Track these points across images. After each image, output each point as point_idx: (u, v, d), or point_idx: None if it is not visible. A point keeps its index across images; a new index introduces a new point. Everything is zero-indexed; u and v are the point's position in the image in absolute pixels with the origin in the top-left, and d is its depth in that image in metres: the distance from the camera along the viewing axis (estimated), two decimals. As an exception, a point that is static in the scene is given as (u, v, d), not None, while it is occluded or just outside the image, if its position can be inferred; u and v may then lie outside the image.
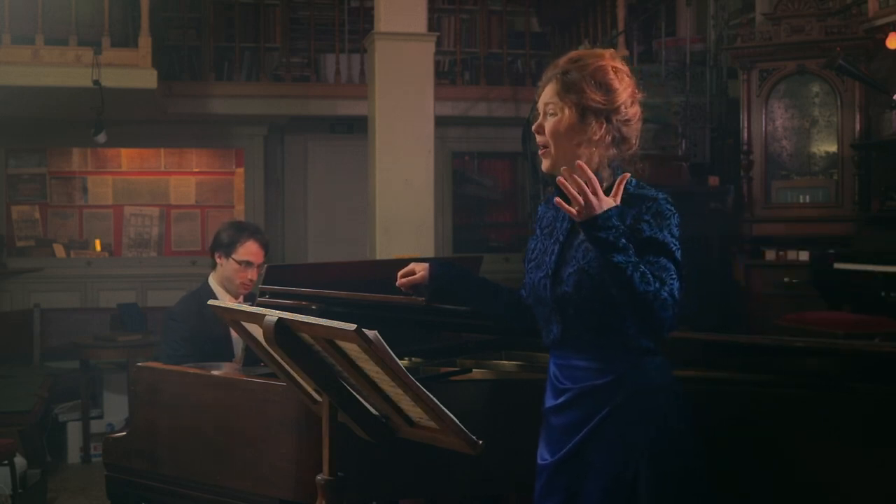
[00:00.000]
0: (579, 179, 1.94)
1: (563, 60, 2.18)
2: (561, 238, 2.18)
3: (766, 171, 5.68)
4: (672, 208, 2.09)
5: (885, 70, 5.47)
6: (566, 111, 2.12)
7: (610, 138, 2.13)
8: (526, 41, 8.53)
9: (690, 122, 6.61)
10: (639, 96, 2.18)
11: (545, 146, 2.17)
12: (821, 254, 5.07)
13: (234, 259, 3.70)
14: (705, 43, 6.82)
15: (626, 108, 2.14)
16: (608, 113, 2.12)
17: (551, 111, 2.15)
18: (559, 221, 2.21)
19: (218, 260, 3.75)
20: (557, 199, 2.00)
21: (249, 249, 3.71)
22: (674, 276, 2.01)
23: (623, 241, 1.95)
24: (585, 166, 1.96)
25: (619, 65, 2.17)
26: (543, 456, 2.20)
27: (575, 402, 2.13)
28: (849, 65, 4.91)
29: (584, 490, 2.12)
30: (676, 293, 2.00)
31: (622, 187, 1.99)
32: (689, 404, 2.17)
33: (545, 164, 2.19)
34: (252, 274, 3.71)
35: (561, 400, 2.16)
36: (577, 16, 8.22)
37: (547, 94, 2.17)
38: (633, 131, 2.17)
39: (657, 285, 1.96)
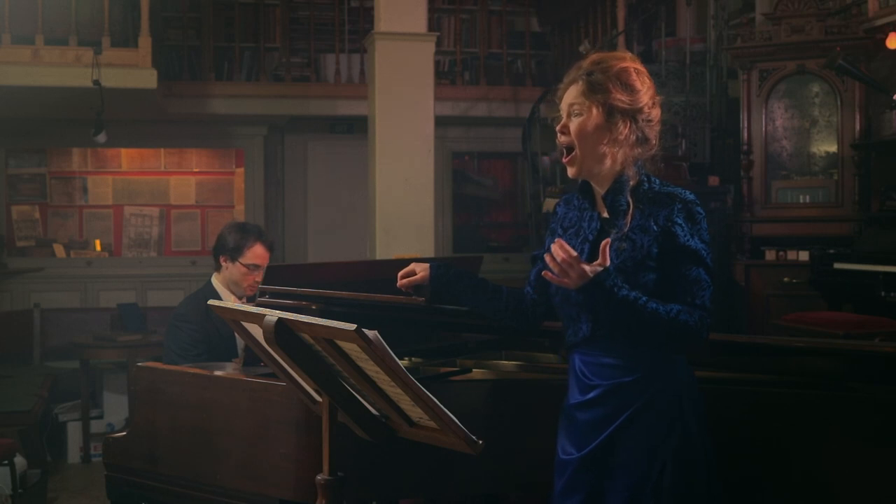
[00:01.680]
0: (563, 256, 2.00)
1: (586, 62, 2.21)
2: (590, 237, 2.20)
3: (766, 171, 5.68)
4: (702, 211, 2.15)
5: (886, 70, 5.47)
6: (594, 111, 2.15)
7: (634, 138, 2.17)
8: (526, 41, 8.53)
9: (690, 122, 6.61)
10: (658, 98, 2.23)
11: (569, 147, 2.19)
12: (821, 254, 5.06)
13: (241, 263, 3.69)
14: (705, 43, 6.82)
15: (648, 108, 2.19)
16: (633, 113, 2.16)
17: (577, 111, 2.18)
18: (585, 221, 2.24)
19: (223, 263, 3.74)
20: (545, 272, 2.06)
21: (256, 253, 3.71)
22: (705, 287, 2.11)
23: (624, 291, 2.03)
24: (565, 244, 2.02)
25: (640, 67, 2.23)
26: (568, 451, 2.21)
27: (603, 398, 2.15)
28: (849, 65, 4.90)
29: (610, 488, 2.14)
30: (707, 301, 2.11)
31: (607, 254, 2.04)
32: (704, 404, 2.20)
33: (571, 171, 2.21)
34: (259, 276, 3.70)
35: (590, 396, 2.17)
36: (577, 16, 8.21)
37: (571, 95, 2.19)
38: (654, 132, 2.21)
39: (672, 314, 2.05)
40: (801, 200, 5.66)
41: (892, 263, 4.58)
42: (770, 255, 5.62)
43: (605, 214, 2.20)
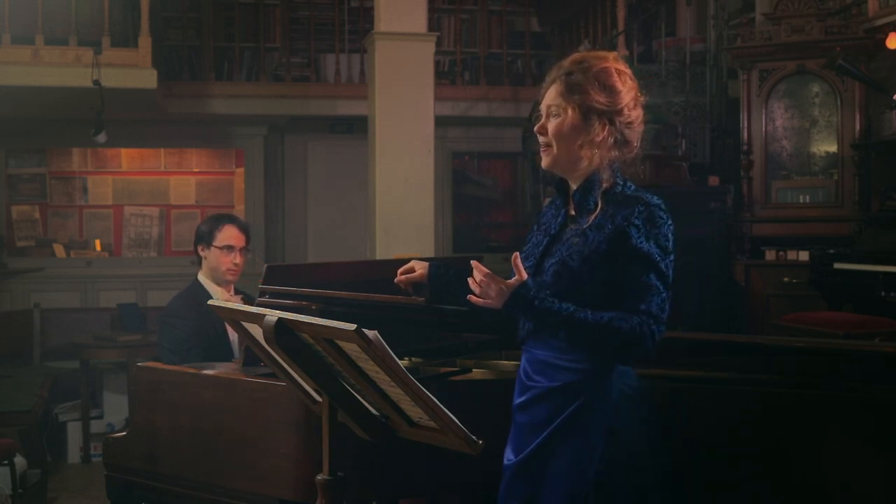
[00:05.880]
0: (480, 277, 2.04)
1: (566, 62, 2.18)
2: (552, 231, 2.20)
3: (766, 171, 5.68)
4: (665, 216, 2.10)
5: (885, 70, 5.47)
6: (570, 112, 2.13)
7: (612, 140, 2.14)
8: (526, 41, 8.53)
9: (690, 122, 6.61)
10: (641, 99, 2.19)
11: (547, 145, 2.18)
12: (821, 254, 5.06)
13: (215, 246, 3.72)
14: (705, 43, 6.82)
15: (629, 110, 2.15)
16: (611, 115, 2.13)
17: (555, 112, 2.16)
18: (555, 218, 2.24)
19: (202, 253, 3.78)
20: (470, 296, 2.08)
21: (228, 234, 3.73)
22: (654, 293, 2.05)
23: (546, 303, 2.03)
24: (479, 265, 2.05)
25: (623, 67, 2.18)
26: (508, 456, 2.20)
27: (540, 399, 2.13)
28: (849, 65, 4.91)
29: (543, 494, 2.10)
30: (655, 307, 2.05)
31: (520, 267, 2.07)
32: (652, 406, 2.15)
33: (545, 162, 2.20)
34: (236, 258, 3.72)
35: (525, 397, 2.16)
36: (577, 16, 8.22)
37: (550, 96, 2.17)
38: (635, 134, 2.18)
39: (603, 322, 2.01)
40: (801, 200, 5.67)
41: (892, 263, 4.59)
42: (770, 255, 5.62)
43: (574, 212, 2.19)
